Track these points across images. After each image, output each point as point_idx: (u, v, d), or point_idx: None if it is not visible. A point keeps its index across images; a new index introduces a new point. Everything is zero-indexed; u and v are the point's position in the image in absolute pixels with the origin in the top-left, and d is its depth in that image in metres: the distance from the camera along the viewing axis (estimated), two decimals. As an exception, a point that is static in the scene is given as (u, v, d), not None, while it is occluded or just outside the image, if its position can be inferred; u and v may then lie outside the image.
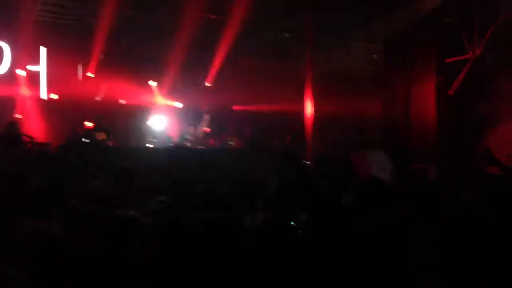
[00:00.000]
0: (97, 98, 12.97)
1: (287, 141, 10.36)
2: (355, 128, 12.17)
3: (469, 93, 9.83)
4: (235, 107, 14.57)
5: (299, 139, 10.81)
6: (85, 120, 12.00)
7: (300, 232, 3.74)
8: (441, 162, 9.52)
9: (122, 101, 13.62)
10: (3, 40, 11.33)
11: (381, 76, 12.15)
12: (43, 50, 12.01)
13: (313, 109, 11.32)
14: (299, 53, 12.11)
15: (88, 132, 10.93)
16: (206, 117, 11.23)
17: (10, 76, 12.15)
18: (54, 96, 12.87)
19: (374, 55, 12.73)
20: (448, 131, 10.16)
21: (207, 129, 12.81)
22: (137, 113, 13.59)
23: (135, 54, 12.94)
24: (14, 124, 9.74)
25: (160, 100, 14.01)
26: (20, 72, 12.29)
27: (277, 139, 11.71)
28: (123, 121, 13.34)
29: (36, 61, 11.82)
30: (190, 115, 13.37)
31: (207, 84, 14.03)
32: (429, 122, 10.44)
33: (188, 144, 10.79)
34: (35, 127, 12.41)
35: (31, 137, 10.09)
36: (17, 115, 12.08)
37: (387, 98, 11.67)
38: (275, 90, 13.07)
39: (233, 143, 11.49)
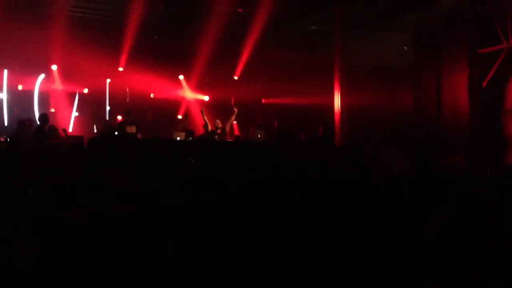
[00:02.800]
0: (127, 95, 13.19)
1: (320, 133, 10.28)
2: (385, 120, 12.01)
3: (503, 84, 9.57)
4: (263, 100, 14.59)
5: (331, 132, 10.73)
6: (116, 114, 12.24)
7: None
8: (474, 155, 9.34)
9: (151, 95, 13.83)
10: (35, 34, 11.56)
11: (412, 68, 11.95)
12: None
13: (342, 101, 11.22)
14: (327, 45, 12.01)
15: (118, 125, 11.12)
16: (234, 110, 11.26)
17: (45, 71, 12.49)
18: (85, 90, 13.18)
19: (405, 47, 12.49)
20: (481, 124, 9.93)
21: (235, 122, 12.88)
22: (166, 106, 13.77)
23: (164, 49, 13.08)
24: (44, 116, 9.97)
25: (189, 93, 14.17)
26: (53, 67, 12.61)
27: (305, 132, 11.64)
28: (153, 114, 13.55)
29: (69, 56, 12.06)
30: (218, 109, 13.45)
31: (235, 77, 14.09)
32: (461, 115, 10.22)
33: (216, 137, 10.85)
34: (68, 121, 12.77)
35: (64, 130, 10.33)
36: (51, 109, 12.42)
37: (418, 90, 11.47)
38: (303, 83, 13.02)
39: (260, 136, 11.49)
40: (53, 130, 10.04)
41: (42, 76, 12.35)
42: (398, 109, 12.16)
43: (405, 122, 11.74)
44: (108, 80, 13.15)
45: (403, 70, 12.59)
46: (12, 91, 12.11)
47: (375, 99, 12.20)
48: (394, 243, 3.26)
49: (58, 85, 12.81)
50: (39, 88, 12.51)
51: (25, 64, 11.83)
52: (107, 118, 12.71)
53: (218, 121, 11.31)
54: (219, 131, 11.00)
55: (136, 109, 12.35)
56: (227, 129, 11.20)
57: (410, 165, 4.65)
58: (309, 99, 13.14)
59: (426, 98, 11.16)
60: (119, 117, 12.37)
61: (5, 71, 11.83)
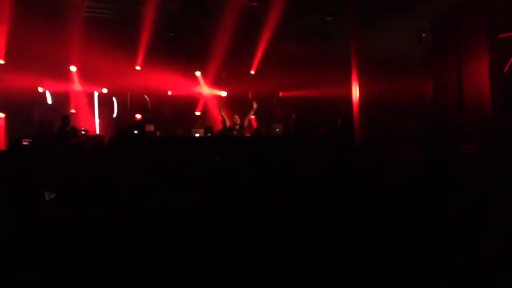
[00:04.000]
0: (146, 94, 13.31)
1: (338, 125, 10.22)
2: (404, 110, 11.86)
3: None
4: (280, 94, 14.55)
5: (350, 123, 10.65)
6: (135, 113, 12.34)
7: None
8: (496, 142, 9.17)
9: (169, 92, 13.91)
10: (53, 37, 11.68)
11: (430, 56, 11.76)
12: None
13: (360, 92, 11.11)
14: (343, 36, 11.88)
15: (137, 124, 11.21)
16: (253, 105, 11.25)
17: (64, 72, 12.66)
18: (104, 90, 13.33)
19: (423, 34, 12.27)
20: (503, 110, 9.73)
21: (253, 117, 12.88)
22: (184, 103, 13.84)
23: (180, 46, 13.13)
24: (66, 118, 10.13)
25: (206, 89, 14.21)
26: (72, 68, 12.77)
27: (323, 125, 11.57)
28: (170, 111, 13.63)
29: (87, 56, 12.18)
30: (236, 104, 13.47)
31: (251, 72, 14.07)
32: (483, 101, 10.03)
33: (235, 132, 10.86)
34: (88, 121, 12.93)
35: (85, 130, 10.48)
36: (72, 110, 12.59)
37: (437, 78, 11.30)
38: (320, 75, 12.93)
39: (278, 130, 11.46)
40: (74, 130, 10.20)
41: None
42: (417, 98, 11.99)
43: (425, 111, 11.59)
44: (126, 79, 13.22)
45: (422, 59, 12.40)
46: (32, 93, 12.29)
47: (393, 89, 12.05)
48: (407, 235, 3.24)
49: (77, 85, 12.97)
50: (60, 89, 12.69)
51: (45, 66, 11.98)
52: (126, 117, 12.80)
53: (236, 116, 11.32)
54: (237, 126, 11.00)
55: (154, 107, 12.44)
56: (245, 124, 11.19)
57: (426, 155, 4.61)
58: (327, 91, 13.05)
59: (446, 86, 10.99)
60: (138, 116, 12.48)
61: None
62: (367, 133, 10.49)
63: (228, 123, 11.07)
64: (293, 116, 12.32)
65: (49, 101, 12.60)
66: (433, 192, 3.63)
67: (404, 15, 12.31)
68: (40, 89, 12.45)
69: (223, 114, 11.37)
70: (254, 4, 11.90)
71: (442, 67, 11.12)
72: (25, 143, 8.12)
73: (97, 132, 12.87)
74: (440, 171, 4.12)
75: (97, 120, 13.12)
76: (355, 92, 11.22)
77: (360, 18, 11.32)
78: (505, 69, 9.68)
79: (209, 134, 10.82)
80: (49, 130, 10.28)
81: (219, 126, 11.77)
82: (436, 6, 11.28)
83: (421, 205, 3.35)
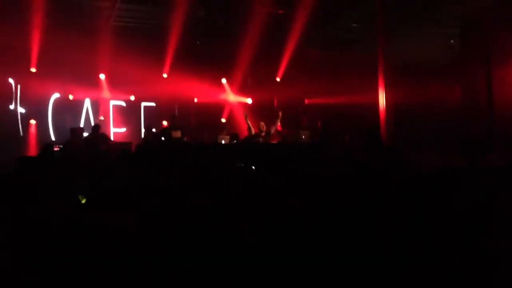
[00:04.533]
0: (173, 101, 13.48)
1: (364, 132, 10.12)
2: (432, 117, 11.67)
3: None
4: (306, 101, 14.53)
5: (376, 131, 10.54)
6: (162, 120, 12.51)
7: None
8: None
9: (195, 99, 14.05)
10: (83, 45, 11.98)
11: (458, 62, 11.57)
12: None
13: (387, 99, 10.99)
14: (370, 42, 11.80)
15: (164, 130, 11.34)
16: (279, 114, 11.26)
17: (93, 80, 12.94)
18: (132, 97, 13.56)
19: (451, 40, 12.10)
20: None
21: (279, 124, 12.88)
22: (210, 110, 13.95)
23: (206, 53, 13.26)
24: (97, 126, 10.37)
25: (232, 96, 14.29)
26: (101, 76, 13.04)
27: (349, 132, 11.49)
28: (196, 118, 13.76)
29: (115, 64, 12.42)
30: (261, 111, 13.50)
31: (277, 78, 14.10)
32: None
33: (261, 140, 10.88)
34: (116, 127, 13.17)
35: (110, 139, 10.69)
36: (101, 117, 12.84)
37: (466, 84, 11.09)
38: (346, 81, 12.86)
39: (304, 137, 11.42)
40: (104, 137, 10.40)
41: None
42: (446, 104, 11.79)
43: (454, 118, 11.38)
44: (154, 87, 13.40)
45: (450, 64, 12.20)
46: (63, 100, 12.59)
47: (421, 95, 11.87)
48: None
49: (106, 93, 13.22)
50: (89, 96, 12.98)
51: (75, 74, 12.26)
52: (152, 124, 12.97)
53: (262, 123, 11.34)
54: (263, 134, 11.02)
55: (180, 114, 12.58)
56: (273, 131, 11.20)
57: (459, 162, 4.52)
58: (353, 98, 12.96)
59: (475, 92, 10.79)
60: (165, 123, 12.63)
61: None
62: (394, 140, 10.35)
63: (253, 131, 11.09)
64: (320, 123, 12.28)
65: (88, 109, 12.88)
66: (472, 199, 3.55)
67: (431, 20, 12.16)
68: (71, 97, 12.73)
69: (249, 122, 11.41)
70: (280, 11, 11.95)
71: (471, 72, 10.92)
72: (56, 149, 8.31)
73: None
74: (478, 178, 4.03)
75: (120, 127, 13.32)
76: (382, 99, 11.10)
77: (386, 24, 11.23)
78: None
79: (235, 141, 10.86)
80: (79, 137, 10.51)
81: (244, 133, 11.81)
82: (464, 11, 11.11)
83: (457, 212, 3.28)
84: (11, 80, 11.84)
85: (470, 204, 3.39)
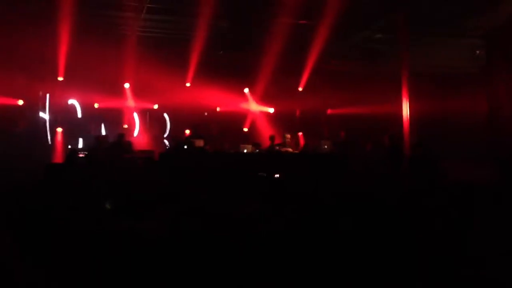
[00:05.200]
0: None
1: (386, 143, 10.04)
2: (457, 128, 11.51)
3: None
4: (329, 111, 14.50)
5: (398, 141, 10.44)
6: (185, 128, 12.63)
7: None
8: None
9: (217, 109, 14.15)
10: (108, 55, 12.19)
11: (484, 72, 11.41)
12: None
13: (410, 110, 10.89)
14: (393, 53, 11.74)
15: (187, 139, 11.43)
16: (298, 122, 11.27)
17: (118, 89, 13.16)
18: (155, 106, 13.72)
19: (477, 51, 11.96)
20: None
21: (300, 134, 12.89)
22: (232, 119, 14.03)
23: (229, 62, 13.36)
24: (122, 134, 10.54)
25: (254, 106, 14.35)
26: (126, 85, 13.25)
27: (371, 142, 11.41)
28: (218, 127, 13.83)
29: (140, 74, 12.61)
30: (283, 120, 13.53)
31: (299, 88, 14.12)
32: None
33: (283, 150, 10.90)
34: (140, 136, 13.33)
35: (133, 147, 10.84)
36: (125, 126, 13.02)
37: (492, 94, 10.93)
38: (369, 92, 12.80)
39: (326, 147, 11.38)
40: (128, 145, 10.55)
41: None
42: (471, 115, 11.63)
43: (479, 130, 11.21)
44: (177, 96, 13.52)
45: (475, 75, 12.05)
46: (88, 109, 12.82)
47: (445, 106, 11.75)
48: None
49: (130, 102, 13.42)
50: (113, 105, 13.19)
51: (101, 83, 12.48)
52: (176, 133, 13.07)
53: (287, 135, 11.38)
54: (288, 143, 11.06)
55: (202, 122, 12.67)
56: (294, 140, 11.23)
57: (497, 176, 4.45)
58: (375, 109, 12.89)
59: (502, 102, 10.61)
60: (187, 131, 12.73)
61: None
62: (418, 152, 10.22)
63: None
64: (342, 133, 12.22)
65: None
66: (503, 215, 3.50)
67: (457, 31, 12.05)
68: (96, 105, 12.95)
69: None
70: (303, 22, 11.98)
71: (496, 83, 10.76)
72: (81, 155, 8.46)
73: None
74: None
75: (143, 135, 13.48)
76: (406, 109, 11.01)
77: (407, 34, 11.16)
78: None
79: (257, 150, 10.88)
80: (104, 144, 10.67)
81: (266, 142, 11.83)
82: (490, 21, 10.98)
83: (486, 227, 3.24)
84: (39, 89, 12.14)
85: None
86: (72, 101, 12.63)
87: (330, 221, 3.83)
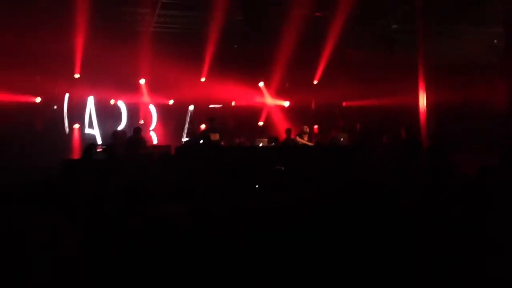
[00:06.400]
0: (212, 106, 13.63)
1: (403, 135, 9.94)
2: (476, 119, 11.32)
3: None
4: (344, 103, 14.41)
5: (415, 133, 10.33)
6: (201, 123, 12.67)
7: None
8: None
9: (232, 103, 14.16)
10: (124, 51, 12.20)
11: (504, 61, 11.19)
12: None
13: (428, 101, 10.75)
14: (410, 43, 11.59)
15: (203, 133, 11.48)
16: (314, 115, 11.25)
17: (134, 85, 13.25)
18: (171, 102, 13.79)
19: (495, 40, 11.75)
20: None
21: (316, 126, 12.83)
22: (247, 113, 14.03)
23: (244, 56, 13.35)
24: (138, 129, 10.62)
25: (269, 100, 14.33)
26: (141, 81, 13.33)
27: (388, 134, 11.31)
28: (234, 121, 13.85)
29: (155, 69, 12.68)
30: (299, 113, 13.49)
31: (315, 81, 14.04)
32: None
33: (300, 142, 10.89)
34: (156, 131, 13.42)
35: (150, 142, 10.91)
36: (141, 121, 13.12)
37: (511, 86, 10.72)
38: (385, 83, 12.67)
39: (342, 140, 11.32)
40: (143, 140, 10.63)
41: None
42: (490, 106, 11.42)
43: (499, 120, 11.00)
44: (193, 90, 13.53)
45: (494, 65, 11.83)
46: (104, 105, 12.94)
47: (464, 97, 11.56)
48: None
49: (146, 97, 13.51)
50: (130, 101, 13.28)
51: (117, 79, 12.57)
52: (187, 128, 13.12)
53: (305, 126, 11.35)
54: (305, 136, 11.03)
55: (218, 117, 12.69)
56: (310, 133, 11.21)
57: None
58: (392, 100, 12.76)
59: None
60: (203, 126, 12.79)
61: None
62: (436, 142, 10.10)
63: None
64: (358, 126, 12.14)
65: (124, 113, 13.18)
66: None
67: (474, 20, 11.85)
68: (112, 101, 13.06)
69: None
70: (318, 14, 11.90)
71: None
72: (99, 149, 8.55)
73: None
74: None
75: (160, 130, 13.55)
76: (422, 100, 10.87)
77: (426, 24, 11.00)
78: None
79: (273, 144, 10.88)
80: (121, 139, 10.76)
81: (282, 136, 11.81)
82: (507, 10, 10.75)
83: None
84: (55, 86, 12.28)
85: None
86: (89, 98, 12.74)
87: (339, 216, 3.80)
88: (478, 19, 11.73)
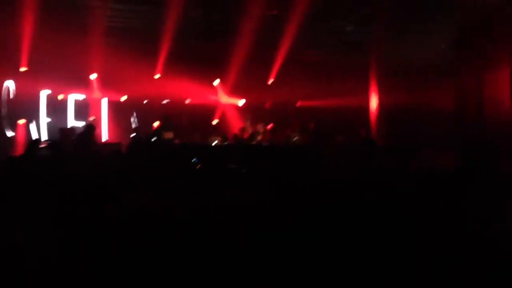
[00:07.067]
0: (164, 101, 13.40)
1: (362, 135, 10.16)
2: (424, 120, 11.71)
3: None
4: (299, 102, 14.52)
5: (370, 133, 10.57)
6: (153, 121, 12.45)
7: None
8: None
9: (187, 100, 13.99)
10: (74, 45, 11.80)
11: (451, 66, 11.63)
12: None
13: (379, 102, 11.02)
14: (363, 46, 11.84)
15: (155, 131, 11.28)
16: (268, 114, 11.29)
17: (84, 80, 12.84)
18: (123, 98, 13.46)
19: (443, 45, 12.16)
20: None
21: (270, 126, 12.88)
22: (202, 111, 13.90)
23: (199, 54, 13.20)
24: (90, 126, 10.30)
25: (224, 98, 14.25)
26: (92, 76, 12.94)
27: (342, 134, 11.51)
28: (188, 119, 13.69)
29: (107, 64, 12.33)
30: (253, 112, 13.48)
31: (270, 80, 14.08)
32: (504, 112, 9.86)
33: (254, 142, 10.88)
34: (106, 128, 13.06)
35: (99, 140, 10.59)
36: (91, 118, 12.72)
37: (458, 88, 11.16)
38: (339, 84, 12.87)
39: (296, 139, 11.43)
40: (94, 137, 10.32)
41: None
42: (438, 108, 11.84)
43: (445, 122, 11.42)
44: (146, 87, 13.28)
45: (443, 69, 12.27)
46: (52, 100, 12.46)
47: (413, 99, 11.92)
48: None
49: (97, 93, 13.12)
50: (80, 96, 12.87)
51: (67, 73, 12.13)
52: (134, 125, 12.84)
53: (260, 125, 11.36)
54: (260, 136, 11.04)
55: (172, 114, 12.50)
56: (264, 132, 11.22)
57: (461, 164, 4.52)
58: (346, 101, 12.98)
59: (467, 96, 10.85)
60: (155, 124, 12.54)
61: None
62: (386, 143, 10.37)
63: (250, 131, 11.14)
64: (312, 125, 12.27)
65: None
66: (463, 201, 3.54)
67: (426, 26, 12.23)
68: (60, 97, 12.61)
69: (249, 125, 11.35)
70: (274, 12, 11.93)
71: (464, 77, 10.98)
72: (43, 145, 8.22)
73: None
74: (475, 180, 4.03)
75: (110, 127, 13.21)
76: (374, 101, 11.13)
77: (380, 27, 11.26)
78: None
79: (226, 142, 10.83)
80: (69, 137, 10.41)
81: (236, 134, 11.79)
82: (458, 16, 11.18)
83: (449, 213, 3.27)
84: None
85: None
86: (39, 92, 12.23)
87: (298, 216, 3.80)
88: (429, 24, 12.11)
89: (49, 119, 12.20)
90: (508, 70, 9.85)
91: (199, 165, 7.36)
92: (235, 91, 14.14)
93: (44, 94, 12.28)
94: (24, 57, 11.75)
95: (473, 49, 10.69)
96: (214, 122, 14.09)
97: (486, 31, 10.34)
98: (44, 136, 11.94)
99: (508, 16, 9.84)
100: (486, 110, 10.29)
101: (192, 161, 7.51)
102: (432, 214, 3.46)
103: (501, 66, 9.96)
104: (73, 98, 12.76)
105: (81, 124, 12.25)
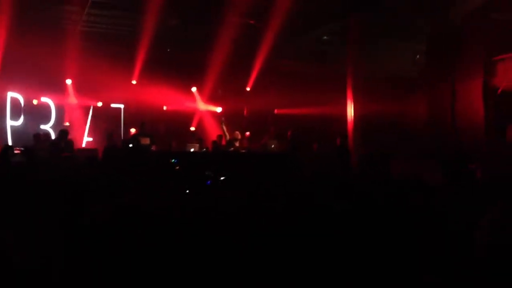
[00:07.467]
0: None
1: (337, 144, 10.28)
2: (399, 129, 11.92)
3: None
4: (276, 111, 14.61)
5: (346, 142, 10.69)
6: (130, 127, 12.33)
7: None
8: (490, 162, 9.20)
9: (164, 107, 13.93)
10: (50, 50, 11.63)
11: (425, 76, 11.88)
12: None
13: (355, 111, 11.17)
14: (340, 55, 12.00)
15: (132, 137, 11.18)
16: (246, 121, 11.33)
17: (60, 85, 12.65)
18: (99, 104, 13.31)
19: (417, 56, 12.44)
20: (496, 131, 9.80)
21: (247, 133, 12.90)
22: (179, 118, 13.86)
23: (177, 61, 13.18)
24: (64, 132, 10.14)
25: (201, 105, 14.24)
26: (68, 81, 12.76)
27: (318, 142, 11.62)
28: (165, 126, 13.62)
29: (83, 70, 12.18)
30: (231, 120, 13.50)
31: (247, 88, 14.14)
32: (476, 122, 10.10)
33: (231, 148, 10.88)
34: (83, 134, 12.88)
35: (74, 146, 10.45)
36: (66, 123, 12.54)
37: (432, 98, 11.39)
38: (316, 93, 13.01)
39: (273, 146, 11.48)
40: (69, 143, 10.16)
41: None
42: (412, 118, 12.07)
43: (419, 131, 11.64)
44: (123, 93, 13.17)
45: (417, 79, 12.53)
46: (28, 105, 12.25)
47: (389, 108, 12.13)
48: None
49: (72, 99, 12.95)
50: (56, 101, 12.68)
51: (41, 78, 11.95)
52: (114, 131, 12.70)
53: (237, 132, 11.38)
54: (237, 143, 11.05)
55: (149, 121, 12.42)
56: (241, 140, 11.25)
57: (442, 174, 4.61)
58: (322, 109, 13.14)
59: (440, 106, 11.07)
60: (133, 130, 12.45)
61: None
62: (362, 151, 10.51)
63: (228, 137, 11.14)
64: (289, 133, 12.35)
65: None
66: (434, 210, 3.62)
67: (401, 36, 12.47)
68: (35, 102, 12.40)
69: (224, 127, 11.38)
70: (252, 21, 12.00)
71: (437, 87, 11.21)
72: (16, 151, 8.07)
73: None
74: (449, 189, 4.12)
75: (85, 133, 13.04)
76: (350, 111, 11.28)
77: (356, 38, 11.44)
78: (499, 91, 9.78)
79: (204, 149, 10.80)
80: (43, 143, 10.24)
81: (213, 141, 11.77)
82: (432, 27, 11.43)
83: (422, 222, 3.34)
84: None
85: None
86: (11, 95, 11.99)
87: (275, 223, 3.81)
88: (404, 35, 12.36)
89: (13, 123, 11.95)
90: (480, 81, 10.09)
91: (177, 167, 7.33)
92: (213, 99, 14.16)
93: (9, 97, 12.03)
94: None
95: (444, 60, 10.93)
96: (192, 128, 14.06)
97: (457, 43, 10.59)
98: (12, 141, 11.66)
99: (478, 27, 10.11)
100: (459, 120, 10.51)
101: (172, 161, 7.48)
102: (409, 221, 3.52)
103: (474, 77, 10.20)
104: (47, 103, 12.57)
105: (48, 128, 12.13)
